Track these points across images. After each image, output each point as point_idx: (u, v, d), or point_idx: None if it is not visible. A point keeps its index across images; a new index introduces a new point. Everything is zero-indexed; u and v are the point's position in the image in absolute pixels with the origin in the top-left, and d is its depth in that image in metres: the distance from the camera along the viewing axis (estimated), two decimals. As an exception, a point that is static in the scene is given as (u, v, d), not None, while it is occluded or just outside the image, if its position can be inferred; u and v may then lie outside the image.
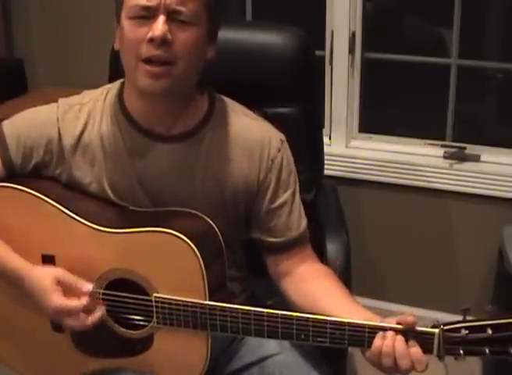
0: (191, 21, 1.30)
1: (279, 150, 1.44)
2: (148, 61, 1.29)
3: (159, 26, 1.27)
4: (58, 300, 1.33)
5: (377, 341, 1.21)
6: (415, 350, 1.20)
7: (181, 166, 1.40)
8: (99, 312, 1.34)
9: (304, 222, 1.48)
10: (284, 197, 1.44)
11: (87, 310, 1.33)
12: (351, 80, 2.51)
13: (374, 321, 1.24)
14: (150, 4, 1.28)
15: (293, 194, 1.46)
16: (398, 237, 2.59)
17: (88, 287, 1.34)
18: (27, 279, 1.36)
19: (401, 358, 1.19)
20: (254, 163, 1.42)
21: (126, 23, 1.32)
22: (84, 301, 1.33)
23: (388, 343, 1.20)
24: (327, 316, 1.26)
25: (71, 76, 2.81)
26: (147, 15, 1.29)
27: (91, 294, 1.34)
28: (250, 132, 1.43)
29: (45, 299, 1.34)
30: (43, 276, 1.35)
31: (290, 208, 1.45)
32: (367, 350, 1.23)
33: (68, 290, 1.34)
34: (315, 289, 1.39)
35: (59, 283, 1.34)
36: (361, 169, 2.54)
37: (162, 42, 1.27)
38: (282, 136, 1.47)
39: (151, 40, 1.28)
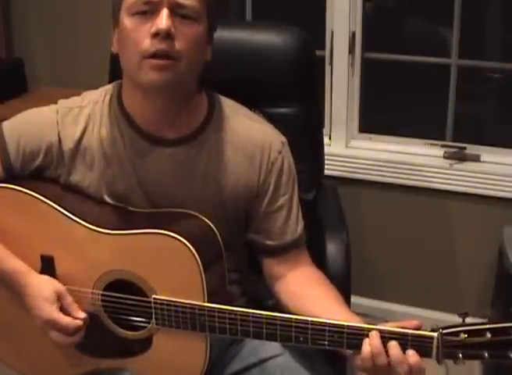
0: (193, 17, 1.30)
1: (280, 152, 1.43)
2: (153, 56, 1.27)
3: (163, 19, 1.26)
4: (54, 313, 1.33)
5: (364, 347, 1.20)
6: (414, 359, 1.18)
7: (181, 169, 1.40)
8: (78, 336, 1.35)
9: (300, 227, 1.47)
10: (282, 200, 1.43)
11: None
12: (351, 80, 2.51)
13: None
14: None
15: (291, 198, 1.45)
16: (398, 237, 2.58)
17: (82, 314, 1.35)
18: (26, 283, 1.36)
19: (398, 365, 1.18)
20: (255, 166, 1.41)
21: (127, 21, 1.30)
22: (77, 322, 1.34)
23: (375, 343, 1.19)
24: None
25: (71, 76, 2.81)
26: (149, 9, 1.27)
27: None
28: (251, 134, 1.42)
29: (42, 307, 1.34)
30: (44, 286, 1.36)
31: (287, 212, 1.44)
32: (358, 362, 1.22)
33: (62, 308, 1.35)
34: (306, 294, 1.39)
35: (59, 298, 1.34)
36: (361, 169, 2.53)
37: (166, 36, 1.26)
38: (283, 138, 1.46)
39: (156, 34, 1.26)
